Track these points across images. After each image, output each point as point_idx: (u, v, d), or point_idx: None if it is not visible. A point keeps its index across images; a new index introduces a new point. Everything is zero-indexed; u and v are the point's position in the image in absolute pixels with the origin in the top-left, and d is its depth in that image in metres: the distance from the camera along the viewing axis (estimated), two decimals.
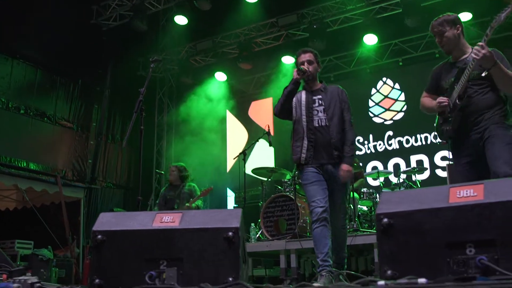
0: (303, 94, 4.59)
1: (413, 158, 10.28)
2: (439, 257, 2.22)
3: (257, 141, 7.74)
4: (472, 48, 3.81)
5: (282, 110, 4.58)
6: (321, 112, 4.47)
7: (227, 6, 10.38)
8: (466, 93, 3.71)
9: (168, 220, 2.80)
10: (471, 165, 3.77)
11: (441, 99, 3.88)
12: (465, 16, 9.76)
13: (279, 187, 7.55)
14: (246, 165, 7.86)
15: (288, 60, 11.45)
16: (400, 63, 10.97)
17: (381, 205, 2.46)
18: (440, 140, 4.11)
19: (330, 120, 4.42)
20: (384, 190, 8.08)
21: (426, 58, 10.72)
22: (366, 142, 10.73)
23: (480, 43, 3.57)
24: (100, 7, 10.68)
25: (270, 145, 7.43)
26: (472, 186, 2.33)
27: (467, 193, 2.31)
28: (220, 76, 12.19)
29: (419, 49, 10.74)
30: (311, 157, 4.41)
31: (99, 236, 2.76)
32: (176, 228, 2.74)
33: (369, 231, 6.24)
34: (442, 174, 9.72)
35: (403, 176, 8.17)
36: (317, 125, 4.44)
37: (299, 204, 6.58)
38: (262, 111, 12.29)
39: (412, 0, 9.55)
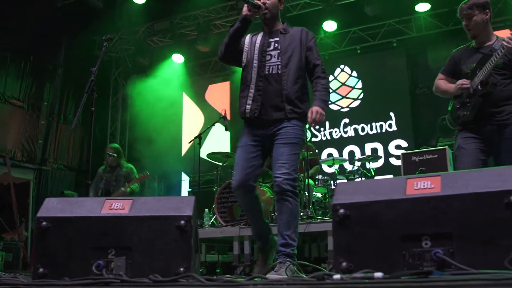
0: (259, 36, 3.86)
1: (368, 146, 10.38)
2: (394, 250, 2.18)
3: (213, 125, 7.62)
4: (497, 36, 3.81)
5: (226, 53, 3.80)
6: (275, 57, 3.72)
7: None
8: (490, 81, 3.65)
9: (117, 207, 2.66)
10: (479, 150, 3.74)
11: (463, 81, 3.80)
12: (423, 7, 9.87)
13: None
14: (202, 149, 7.75)
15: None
16: (358, 51, 11.02)
17: (337, 195, 2.39)
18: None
19: (285, 67, 3.67)
20: (339, 177, 8.11)
21: (384, 47, 10.85)
22: (322, 129, 10.72)
23: None
24: None
25: (226, 130, 7.33)
26: (429, 178, 2.30)
27: (424, 185, 2.27)
28: (177, 58, 11.95)
29: (377, 37, 10.80)
30: (257, 110, 3.67)
31: (44, 223, 2.60)
32: (126, 215, 2.61)
33: (323, 219, 6.24)
34: (396, 162, 9.85)
35: (357, 163, 8.21)
36: (267, 72, 3.70)
37: None
38: (219, 94, 12.18)
39: None
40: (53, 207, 2.72)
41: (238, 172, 3.68)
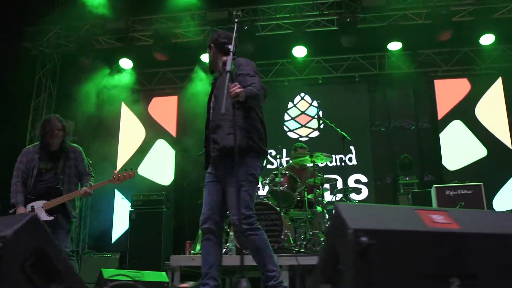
0: None
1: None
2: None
3: None
4: None
5: None
6: None
7: None
8: None
9: (440, 220, 2.16)
10: None
11: None
12: (396, 45, 10.59)
13: None
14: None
15: (207, 59, 11.34)
16: (320, 81, 11.51)
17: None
18: None
19: None
20: None
21: (345, 80, 11.45)
22: (278, 156, 10.49)
23: None
24: None
25: None
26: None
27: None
28: (125, 63, 11.57)
29: (339, 70, 11.37)
30: None
31: (364, 238, 1.96)
32: (461, 232, 2.12)
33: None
34: (356, 197, 10.27)
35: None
36: None
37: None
38: (165, 109, 12.12)
39: (349, 21, 10.05)
40: (367, 216, 2.16)
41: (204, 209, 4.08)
